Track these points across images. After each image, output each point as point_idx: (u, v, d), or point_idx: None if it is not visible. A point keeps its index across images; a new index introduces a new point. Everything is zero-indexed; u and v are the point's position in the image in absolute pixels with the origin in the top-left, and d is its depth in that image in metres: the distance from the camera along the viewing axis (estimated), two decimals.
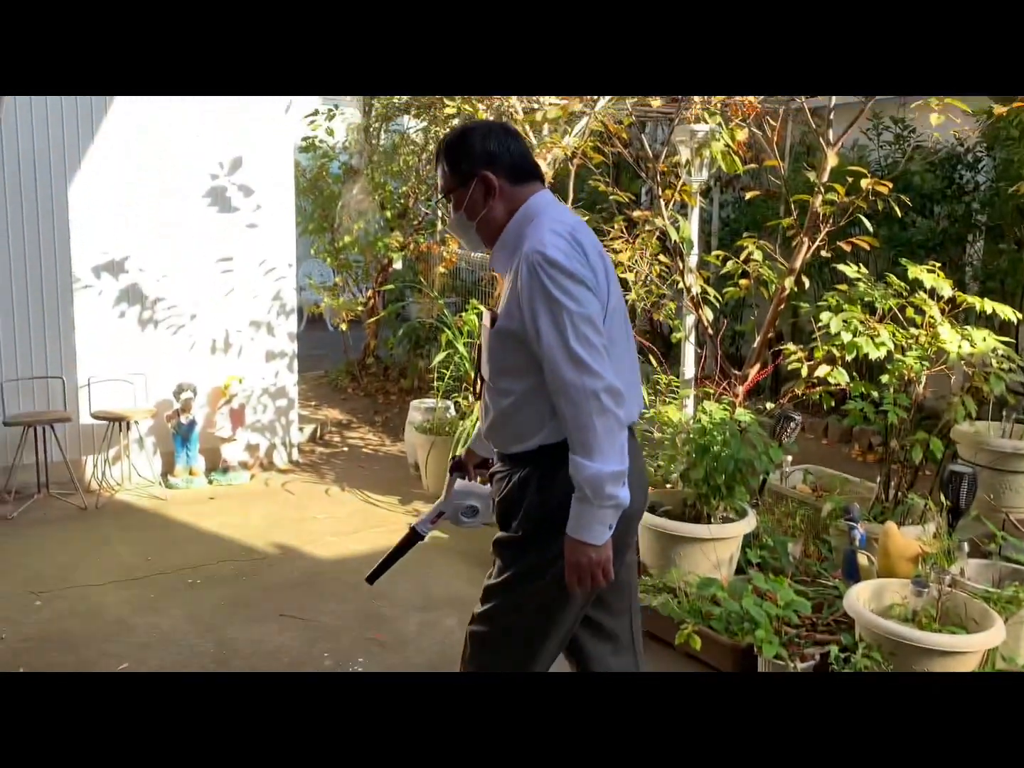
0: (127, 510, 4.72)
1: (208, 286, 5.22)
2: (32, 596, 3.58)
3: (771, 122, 4.29)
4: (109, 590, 3.66)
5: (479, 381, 2.04)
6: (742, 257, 4.20)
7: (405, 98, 6.42)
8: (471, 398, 4.92)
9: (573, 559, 1.82)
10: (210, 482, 5.17)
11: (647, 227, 4.16)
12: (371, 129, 7.18)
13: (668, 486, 4.03)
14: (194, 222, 5.13)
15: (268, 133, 5.29)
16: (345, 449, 6.11)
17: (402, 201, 7.29)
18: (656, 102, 4.49)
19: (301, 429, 5.92)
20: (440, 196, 2.02)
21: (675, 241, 4.14)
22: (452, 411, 5.27)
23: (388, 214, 7.07)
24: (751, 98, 4.13)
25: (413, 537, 2.33)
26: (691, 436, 3.61)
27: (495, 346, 1.92)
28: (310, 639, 3.27)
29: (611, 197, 4.26)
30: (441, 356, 4.99)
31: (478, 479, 2.39)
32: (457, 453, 2.36)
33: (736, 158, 3.88)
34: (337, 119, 7.21)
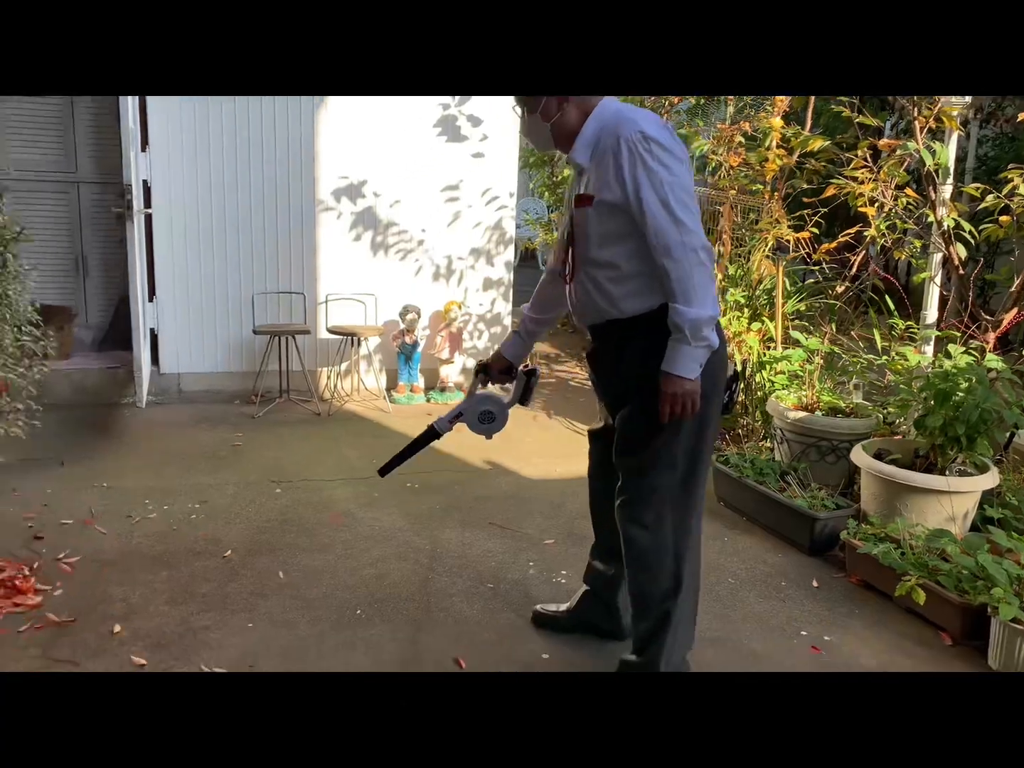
0: (354, 419, 5.09)
1: (434, 213, 5.43)
2: (273, 485, 3.96)
3: None
4: (338, 486, 3.98)
5: (569, 270, 2.27)
6: (1004, 192, 3.76)
7: None
8: None
9: (670, 391, 2.11)
10: (428, 400, 5.46)
11: (896, 153, 3.81)
12: None
13: (897, 436, 3.76)
14: (425, 150, 5.33)
15: None
16: (552, 380, 6.21)
17: None
18: None
19: None
20: (515, 103, 2.26)
21: (928, 170, 3.77)
22: None
23: None
24: None
25: (431, 434, 2.46)
26: (931, 380, 3.32)
27: (595, 221, 2.15)
28: (516, 548, 3.39)
29: (857, 120, 3.93)
30: None
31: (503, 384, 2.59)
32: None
33: None
34: None
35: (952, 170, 3.90)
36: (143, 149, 4.88)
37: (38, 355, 2.92)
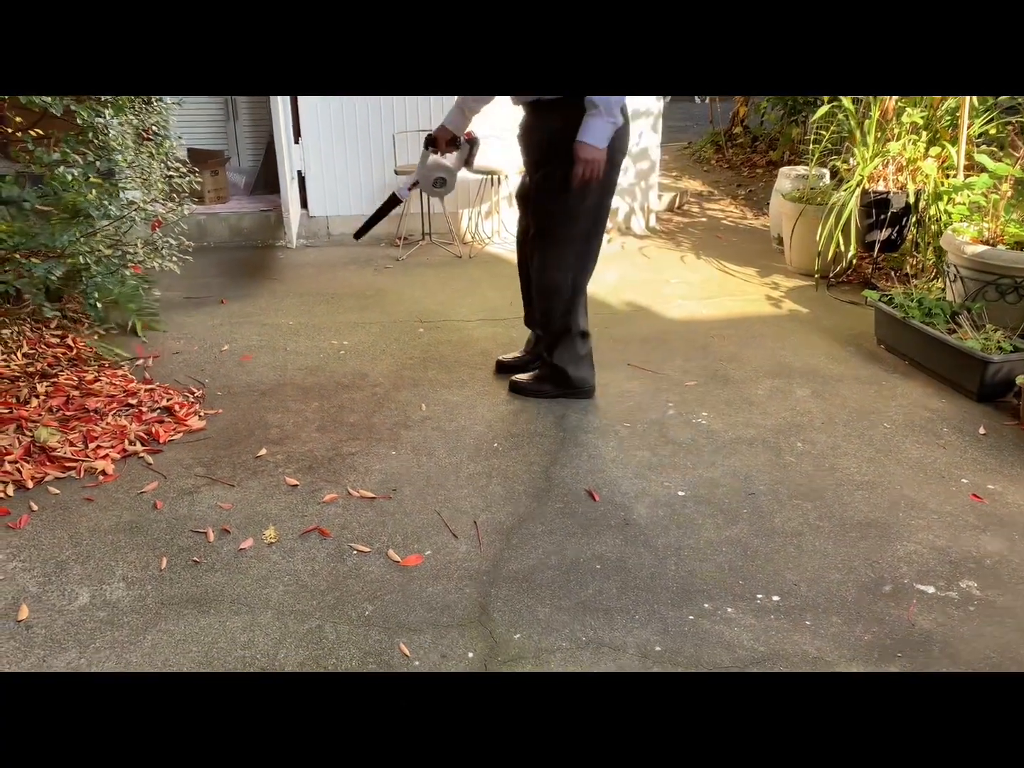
0: (495, 261, 5.05)
1: None
2: (417, 324, 4.03)
3: None
4: (477, 326, 4.00)
5: None
6: None
7: None
8: (851, 161, 4.38)
9: (585, 156, 2.67)
10: None
11: None
12: None
13: None
14: None
15: None
16: (703, 220, 5.89)
17: None
18: None
19: (660, 197, 5.79)
20: None
21: None
22: (827, 179, 4.76)
23: None
24: None
25: (393, 200, 2.92)
26: None
27: None
28: (655, 389, 3.32)
29: None
30: (823, 111, 4.43)
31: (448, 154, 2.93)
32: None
33: None
34: None
35: None
36: None
37: (186, 192, 3.00)
